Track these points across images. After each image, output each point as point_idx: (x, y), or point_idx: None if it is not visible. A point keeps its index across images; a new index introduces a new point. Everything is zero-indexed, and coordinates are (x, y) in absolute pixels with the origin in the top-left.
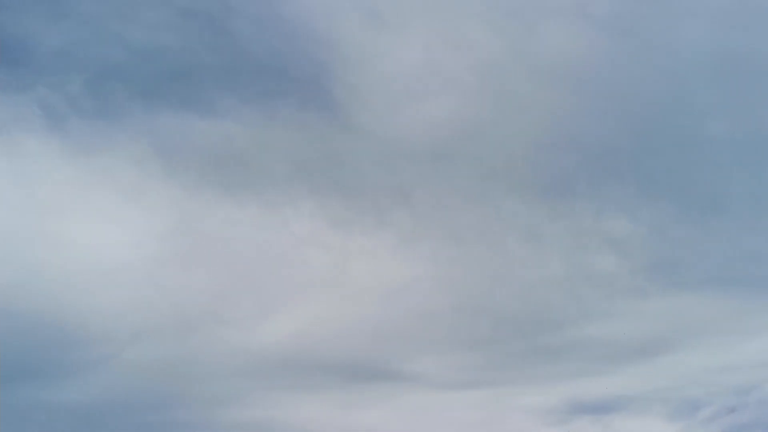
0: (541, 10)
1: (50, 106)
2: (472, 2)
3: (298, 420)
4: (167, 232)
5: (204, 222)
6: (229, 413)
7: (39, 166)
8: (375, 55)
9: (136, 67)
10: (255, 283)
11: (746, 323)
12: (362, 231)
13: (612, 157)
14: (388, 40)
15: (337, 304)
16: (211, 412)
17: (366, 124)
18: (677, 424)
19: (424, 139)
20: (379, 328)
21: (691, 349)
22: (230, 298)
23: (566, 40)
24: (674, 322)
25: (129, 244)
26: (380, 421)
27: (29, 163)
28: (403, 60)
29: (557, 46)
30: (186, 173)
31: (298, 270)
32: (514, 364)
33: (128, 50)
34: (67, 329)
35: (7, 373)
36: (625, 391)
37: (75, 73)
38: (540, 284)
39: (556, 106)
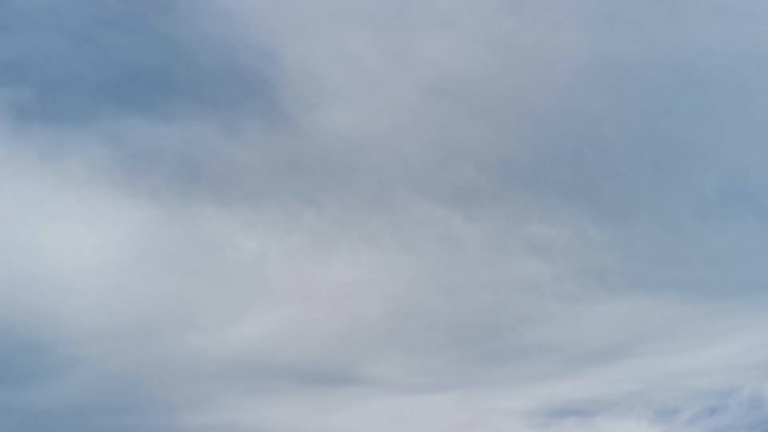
0: (419, 22)
1: (11, 112)
2: (354, 13)
3: (264, 424)
4: (132, 237)
5: (169, 228)
6: (195, 417)
7: (1, 172)
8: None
9: (98, 72)
10: (220, 288)
11: (692, 327)
12: (321, 237)
13: (515, 165)
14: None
15: (300, 310)
16: (177, 416)
17: (313, 129)
18: (659, 426)
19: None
20: (341, 332)
21: (647, 354)
22: (195, 304)
23: (446, 52)
24: (617, 327)
25: (93, 250)
26: (347, 424)
27: None
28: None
29: (438, 59)
30: (151, 179)
31: (262, 276)
32: (472, 367)
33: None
34: (32, 334)
35: None
36: (596, 394)
37: (34, 78)
38: (467, 289)
39: (448, 118)
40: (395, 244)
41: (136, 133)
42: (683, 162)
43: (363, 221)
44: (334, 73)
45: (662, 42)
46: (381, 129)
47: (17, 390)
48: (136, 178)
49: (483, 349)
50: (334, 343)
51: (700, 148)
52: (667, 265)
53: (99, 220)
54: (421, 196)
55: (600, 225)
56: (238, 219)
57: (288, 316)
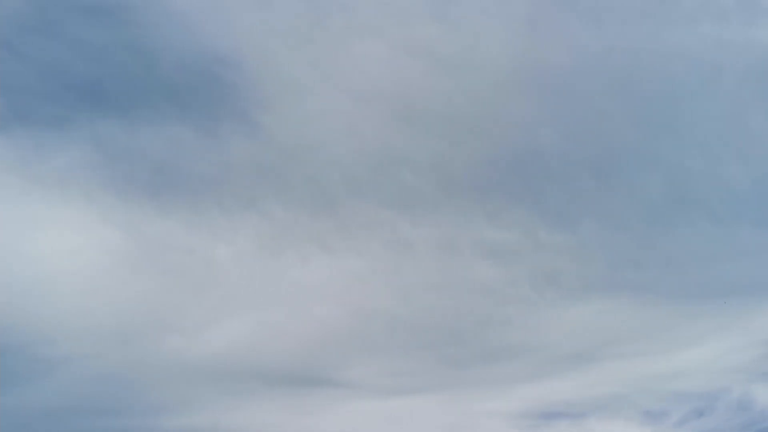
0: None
1: None
2: (278, 21)
3: (243, 426)
4: (110, 241)
5: (148, 231)
6: (174, 419)
7: None
8: None
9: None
10: (198, 292)
11: (658, 331)
12: (294, 242)
13: (454, 170)
14: None
15: (277, 313)
16: (157, 418)
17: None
18: (648, 428)
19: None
20: (316, 334)
21: (619, 357)
22: (174, 307)
23: (373, 60)
24: (583, 330)
25: (72, 254)
26: (327, 426)
27: None
28: None
29: (366, 67)
30: (132, 181)
31: (239, 280)
32: (444, 370)
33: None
34: (11, 337)
35: None
36: (576, 397)
37: (14, 81)
38: (422, 293)
39: (382, 124)
40: (346, 248)
41: (114, 136)
42: (624, 166)
43: (321, 226)
44: (267, 82)
45: (587, 47)
46: (316, 136)
47: None
48: (114, 182)
49: (449, 353)
50: (310, 346)
51: (639, 152)
52: (620, 268)
53: (77, 224)
54: (365, 201)
55: (549, 229)
56: (214, 224)
57: (265, 320)
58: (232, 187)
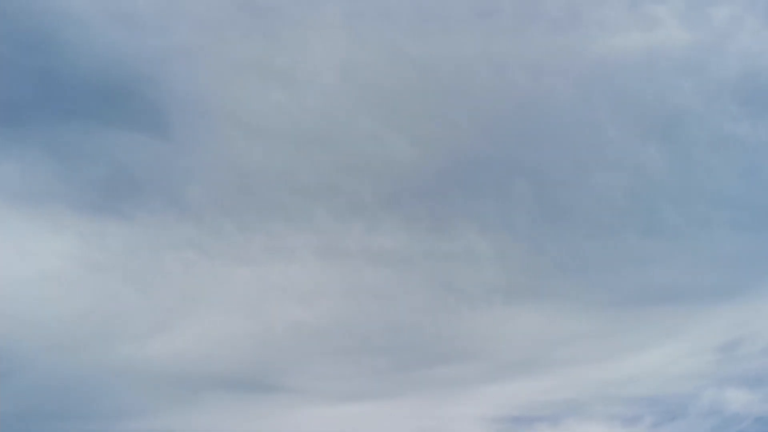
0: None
1: None
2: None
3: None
4: (61, 247)
5: (97, 238)
6: (125, 425)
7: None
8: None
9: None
10: (147, 299)
11: (603, 338)
12: (241, 247)
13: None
14: None
15: (227, 319)
16: (108, 424)
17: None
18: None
19: None
20: (266, 340)
21: (574, 363)
22: (124, 314)
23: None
24: (531, 337)
25: (21, 261)
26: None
27: None
28: None
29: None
30: (81, 188)
31: (188, 286)
32: (404, 375)
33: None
34: None
35: None
36: (538, 401)
37: None
38: (376, 299)
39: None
40: (305, 253)
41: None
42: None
43: (275, 231)
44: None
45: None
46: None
47: None
48: (63, 189)
49: (406, 357)
50: (261, 351)
51: (503, 162)
52: (542, 276)
53: (25, 231)
54: (315, 209)
55: (436, 237)
56: (164, 229)
57: (215, 326)
58: (182, 193)
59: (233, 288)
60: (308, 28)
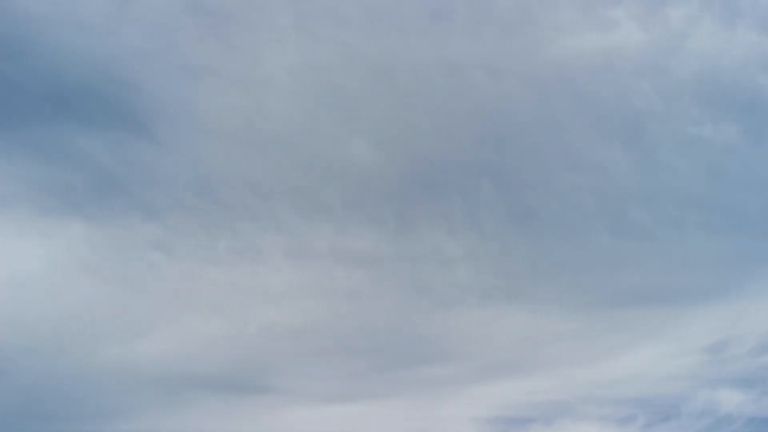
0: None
1: None
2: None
3: None
4: (48, 248)
5: (83, 239)
6: (111, 426)
7: None
8: None
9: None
10: (134, 299)
11: (589, 339)
12: (228, 248)
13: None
14: None
15: (213, 320)
16: (94, 425)
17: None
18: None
19: None
20: (253, 341)
21: (563, 364)
22: (111, 315)
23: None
24: (515, 339)
25: (9, 260)
26: None
27: None
28: None
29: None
30: (68, 188)
31: (174, 287)
32: (392, 376)
33: None
34: None
35: None
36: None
37: None
38: (355, 300)
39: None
40: (274, 253)
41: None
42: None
43: (241, 232)
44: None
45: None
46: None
47: None
48: (49, 189)
49: (388, 358)
50: (242, 352)
51: (470, 164)
52: (516, 277)
53: (11, 231)
54: (280, 210)
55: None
56: (149, 231)
57: (201, 327)
58: (144, 195)
59: (204, 289)
60: (260, 31)
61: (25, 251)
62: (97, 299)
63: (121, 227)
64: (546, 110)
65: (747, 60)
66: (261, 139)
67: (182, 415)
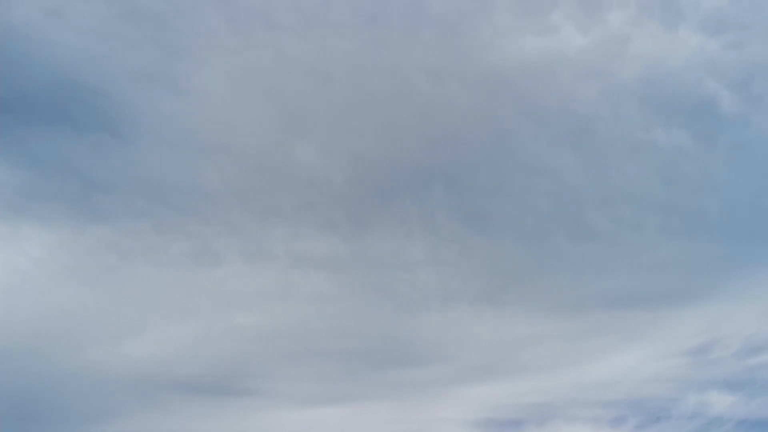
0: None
1: None
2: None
3: None
4: (30, 251)
5: (66, 242)
6: (93, 429)
7: None
8: None
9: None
10: (116, 303)
11: (568, 343)
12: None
13: None
14: None
15: (195, 323)
16: (76, 428)
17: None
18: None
19: None
20: (234, 344)
21: (545, 368)
22: (93, 319)
23: None
24: (494, 342)
25: None
26: None
27: None
28: None
29: None
30: (50, 191)
31: (157, 290)
32: (368, 378)
33: None
34: None
35: None
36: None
37: None
38: (332, 303)
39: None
40: (231, 257)
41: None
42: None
43: (194, 235)
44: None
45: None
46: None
47: None
48: (32, 192)
49: (360, 361)
50: (228, 355)
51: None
52: (478, 280)
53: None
54: (231, 214)
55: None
56: (133, 234)
57: (183, 330)
58: (118, 197)
59: (163, 292)
60: (196, 37)
61: (16, 253)
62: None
63: (71, 230)
64: (491, 114)
65: (691, 63)
66: (204, 144)
67: (164, 420)
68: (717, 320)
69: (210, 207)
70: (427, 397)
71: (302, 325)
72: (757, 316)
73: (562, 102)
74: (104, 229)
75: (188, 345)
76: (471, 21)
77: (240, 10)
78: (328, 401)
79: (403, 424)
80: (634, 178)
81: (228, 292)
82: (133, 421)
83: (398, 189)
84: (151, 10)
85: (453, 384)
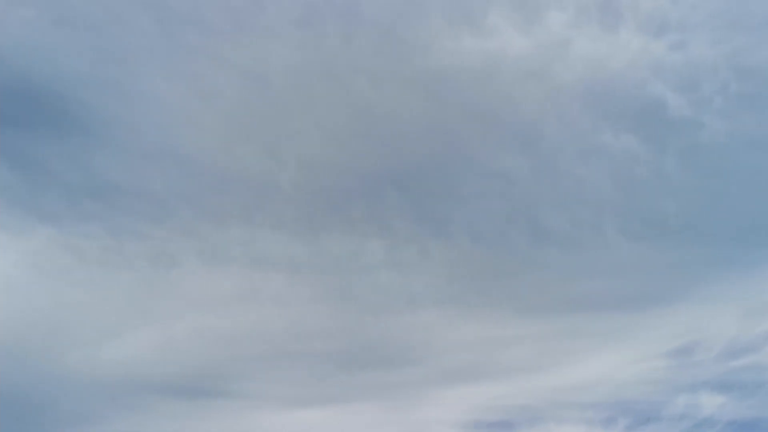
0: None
1: None
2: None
3: None
4: (8, 254)
5: (45, 245)
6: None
7: None
8: None
9: None
10: (96, 306)
11: (546, 346)
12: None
13: None
14: None
15: (178, 325)
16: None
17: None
18: None
19: None
20: (217, 346)
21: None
22: (74, 321)
23: None
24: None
25: None
26: None
27: None
28: None
29: None
30: (29, 193)
31: (136, 293)
32: (348, 380)
33: None
34: None
35: None
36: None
37: None
38: (310, 305)
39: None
40: (187, 258)
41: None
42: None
43: (148, 236)
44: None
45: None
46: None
47: None
48: (10, 194)
49: (339, 364)
50: (209, 358)
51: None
52: (443, 282)
53: None
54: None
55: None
56: (117, 236)
57: (151, 332)
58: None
59: (125, 293)
60: (129, 41)
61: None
62: (63, 305)
63: (18, 233)
64: (433, 116)
65: (635, 65)
66: (148, 149)
67: (146, 423)
68: (695, 323)
69: (159, 209)
70: (408, 399)
71: (269, 327)
72: (737, 319)
73: (507, 105)
74: (53, 231)
75: (157, 347)
76: (406, 23)
77: (172, 15)
78: (308, 403)
79: (390, 426)
80: (587, 181)
81: (189, 295)
82: (115, 426)
83: (348, 190)
84: (84, 16)
85: (432, 386)
